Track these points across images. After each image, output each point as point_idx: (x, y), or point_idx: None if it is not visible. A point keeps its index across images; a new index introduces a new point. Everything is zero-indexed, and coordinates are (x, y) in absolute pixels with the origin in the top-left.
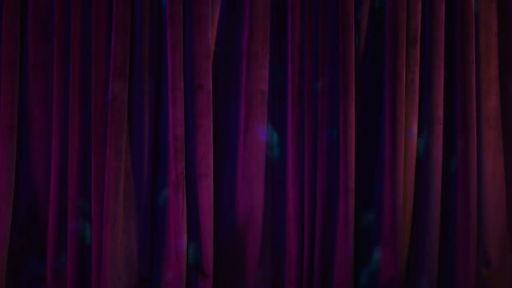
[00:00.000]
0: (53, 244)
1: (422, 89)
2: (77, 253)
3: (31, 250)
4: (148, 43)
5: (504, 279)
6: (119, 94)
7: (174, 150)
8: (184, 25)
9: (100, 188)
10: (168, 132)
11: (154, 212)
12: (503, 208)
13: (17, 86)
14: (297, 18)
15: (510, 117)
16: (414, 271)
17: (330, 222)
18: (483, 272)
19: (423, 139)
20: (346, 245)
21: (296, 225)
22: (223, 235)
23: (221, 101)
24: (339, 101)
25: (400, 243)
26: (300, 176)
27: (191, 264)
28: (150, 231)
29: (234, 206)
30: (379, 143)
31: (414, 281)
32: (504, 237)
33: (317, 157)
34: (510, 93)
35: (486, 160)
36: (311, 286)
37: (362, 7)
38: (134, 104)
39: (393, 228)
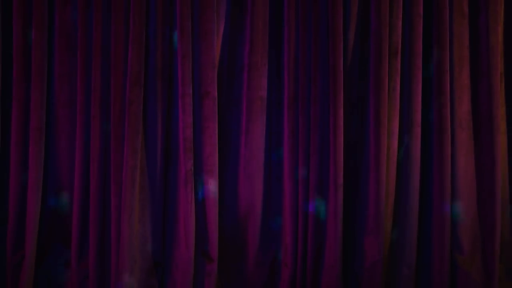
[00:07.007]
0: (77, 233)
1: (403, 96)
2: (98, 240)
3: (57, 238)
4: (161, 55)
5: (475, 264)
6: (135, 100)
7: (184, 149)
8: (193, 39)
9: (119, 183)
10: (178, 133)
11: (166, 204)
12: (474, 200)
13: (45, 92)
14: (293, 33)
15: (481, 120)
16: (395, 257)
17: (322, 213)
18: (457, 258)
19: (404, 140)
20: (336, 234)
21: (292, 216)
22: (227, 225)
23: (225, 106)
24: (329, 106)
25: (383, 232)
26: (295, 173)
27: (199, 250)
28: (162, 221)
29: (237, 199)
30: (365, 143)
31: (395, 265)
32: (475, 226)
33: (310, 156)
34: (480, 99)
35: (459, 158)
36: (304, 269)
37: (349, 23)
38: (148, 108)
39: (377, 218)
